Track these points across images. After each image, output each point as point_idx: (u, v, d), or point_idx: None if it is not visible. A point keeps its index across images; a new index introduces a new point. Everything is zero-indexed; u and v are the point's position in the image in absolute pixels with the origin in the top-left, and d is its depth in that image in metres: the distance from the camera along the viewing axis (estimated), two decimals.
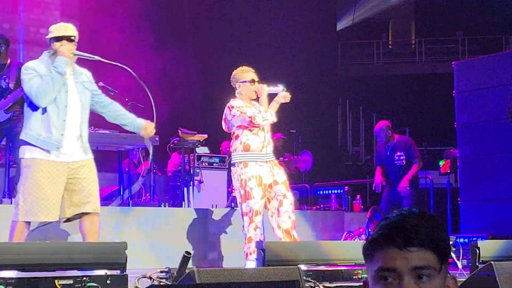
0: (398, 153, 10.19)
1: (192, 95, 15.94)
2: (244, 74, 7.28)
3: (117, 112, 6.30)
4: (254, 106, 7.27)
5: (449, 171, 11.90)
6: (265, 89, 7.27)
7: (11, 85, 8.37)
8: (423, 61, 22.83)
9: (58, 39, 5.88)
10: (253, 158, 7.11)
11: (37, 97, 5.66)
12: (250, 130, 7.14)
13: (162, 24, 15.37)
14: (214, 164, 10.79)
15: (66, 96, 5.82)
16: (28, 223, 5.70)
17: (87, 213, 5.81)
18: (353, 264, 5.41)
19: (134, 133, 9.01)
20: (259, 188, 7.02)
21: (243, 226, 7.08)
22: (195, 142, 10.42)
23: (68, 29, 5.95)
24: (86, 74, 6.15)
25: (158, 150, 10.31)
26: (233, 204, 9.89)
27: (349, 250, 5.65)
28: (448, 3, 22.46)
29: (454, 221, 11.34)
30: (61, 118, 5.76)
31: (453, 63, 10.93)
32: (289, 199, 7.20)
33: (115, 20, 14.57)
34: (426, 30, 23.18)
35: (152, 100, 6.26)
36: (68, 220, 5.93)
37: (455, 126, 10.52)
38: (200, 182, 10.34)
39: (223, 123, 7.38)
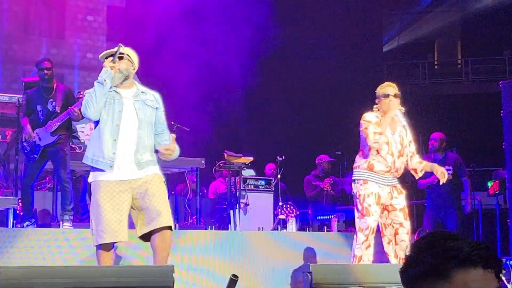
0: (447, 167, 10.14)
1: (237, 118, 15.99)
2: (383, 89, 7.13)
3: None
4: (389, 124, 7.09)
5: (497, 192, 11.73)
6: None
7: (58, 109, 8.51)
8: (470, 80, 22.65)
9: (106, 58, 5.94)
10: (375, 179, 7.00)
11: (85, 110, 5.74)
12: (377, 151, 7.01)
13: (206, 50, 15.46)
14: (260, 187, 10.79)
15: (119, 116, 5.79)
16: (109, 244, 5.66)
17: (158, 229, 5.72)
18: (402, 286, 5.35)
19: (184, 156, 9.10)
20: (376, 206, 6.91)
21: (353, 243, 6.97)
22: (241, 165, 10.44)
23: (116, 48, 5.95)
24: (153, 94, 6.06)
25: (203, 173, 10.34)
26: (279, 227, 9.86)
27: (397, 272, 5.60)
28: (494, 22, 22.26)
29: (503, 243, 11.18)
30: (113, 137, 5.76)
31: (500, 82, 10.80)
32: (406, 228, 6.99)
33: (161, 44, 14.72)
34: (472, 50, 23.02)
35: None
36: (143, 238, 5.86)
37: (504, 146, 10.39)
38: (246, 204, 10.34)
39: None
